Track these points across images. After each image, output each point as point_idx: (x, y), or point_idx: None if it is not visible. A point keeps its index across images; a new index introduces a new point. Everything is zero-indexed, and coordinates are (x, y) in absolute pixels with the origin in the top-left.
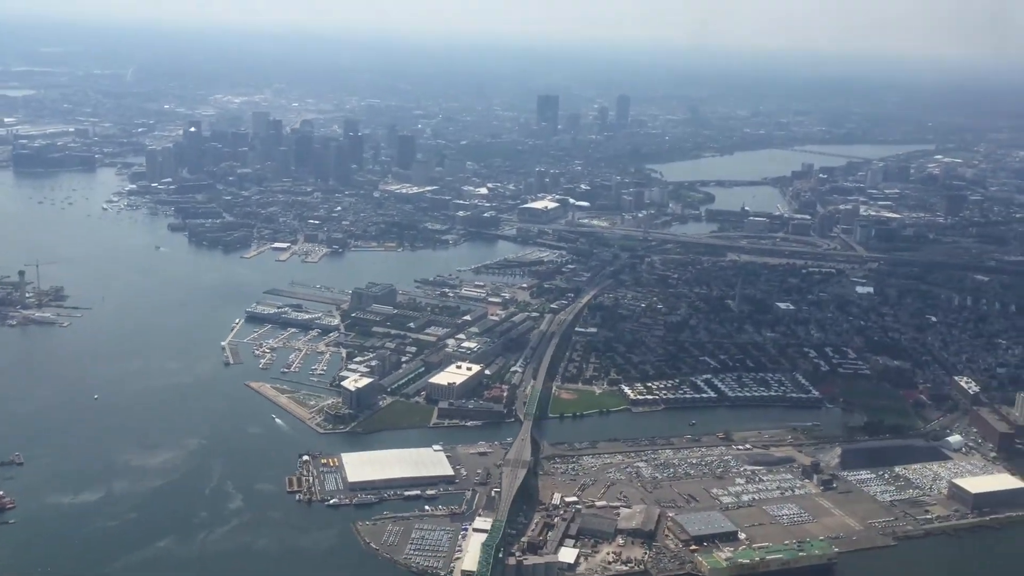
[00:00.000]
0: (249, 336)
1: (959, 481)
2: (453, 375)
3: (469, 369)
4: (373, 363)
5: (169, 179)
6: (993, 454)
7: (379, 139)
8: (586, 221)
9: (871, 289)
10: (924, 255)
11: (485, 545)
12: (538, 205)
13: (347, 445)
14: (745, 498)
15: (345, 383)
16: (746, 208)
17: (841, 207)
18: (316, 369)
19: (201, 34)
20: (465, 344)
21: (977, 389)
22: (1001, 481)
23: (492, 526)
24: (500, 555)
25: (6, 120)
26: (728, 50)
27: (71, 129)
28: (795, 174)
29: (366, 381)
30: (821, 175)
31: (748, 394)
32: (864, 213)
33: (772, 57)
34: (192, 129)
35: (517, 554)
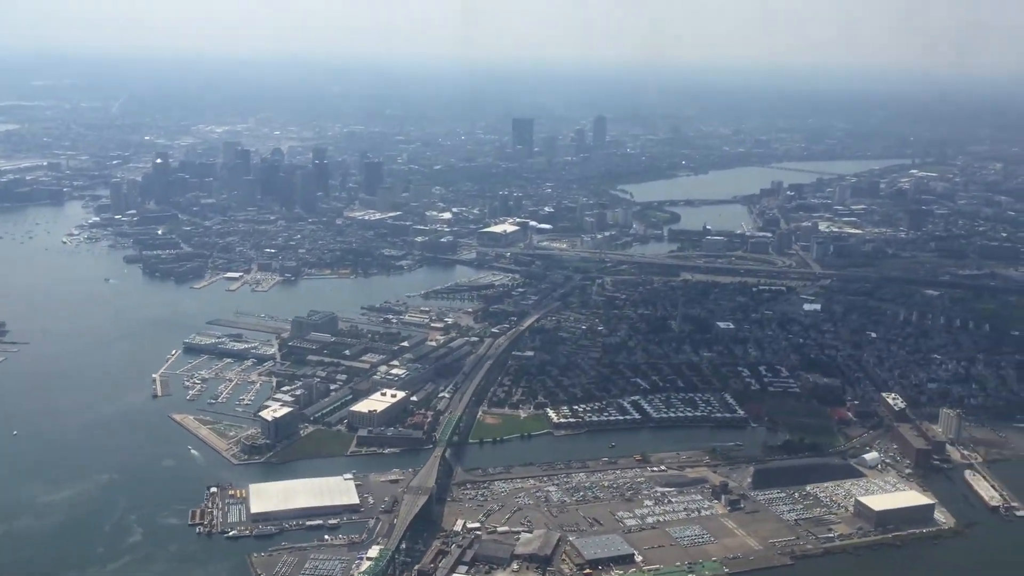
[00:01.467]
0: (183, 367)
1: (864, 499)
2: (376, 403)
3: (394, 396)
4: (298, 392)
5: (133, 211)
6: (908, 471)
7: (349, 166)
8: (546, 244)
9: (818, 306)
10: (879, 271)
11: (364, 574)
12: (497, 229)
13: (261, 476)
14: (650, 520)
15: (263, 413)
16: (707, 227)
17: (802, 224)
18: (243, 400)
19: (197, 63)
20: (394, 371)
21: (903, 405)
22: (907, 498)
23: (378, 554)
24: None
25: None
26: (715, 66)
27: (44, 163)
28: (763, 192)
29: (285, 411)
30: (788, 192)
31: (673, 415)
32: (826, 229)
33: (760, 73)
34: (159, 161)
35: None
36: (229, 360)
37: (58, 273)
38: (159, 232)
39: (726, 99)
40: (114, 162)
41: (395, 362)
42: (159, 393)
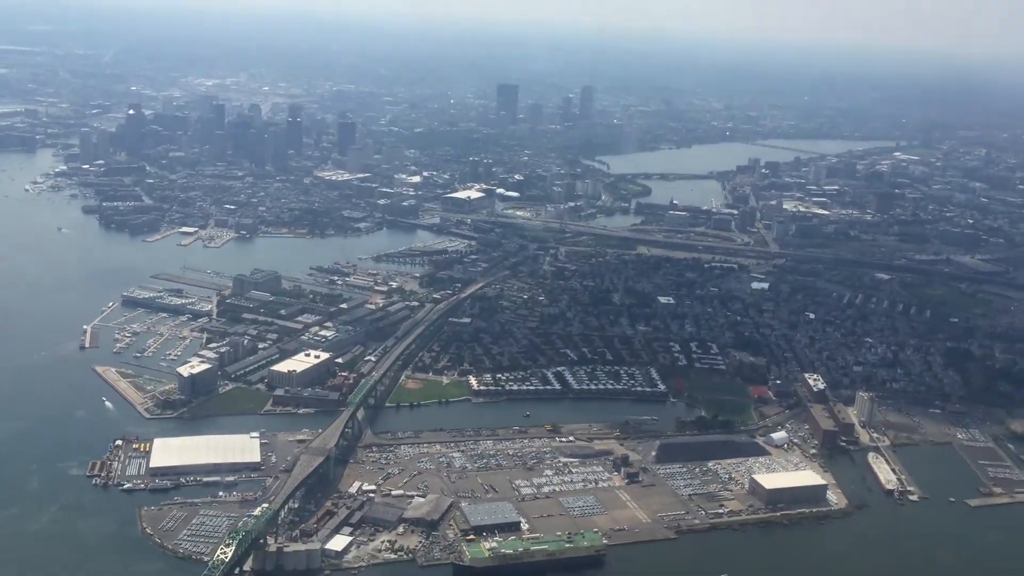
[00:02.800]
0: (118, 320)
1: (758, 477)
2: (297, 363)
3: (317, 357)
4: (223, 349)
5: (101, 161)
6: (813, 451)
7: (328, 125)
8: (510, 212)
9: (766, 285)
10: (836, 252)
11: (234, 532)
12: (461, 195)
13: (170, 430)
14: (546, 490)
15: (180, 369)
16: (674, 202)
17: (768, 203)
18: (170, 355)
19: (200, 14)
20: (322, 332)
21: (822, 386)
22: (801, 478)
23: (259, 513)
24: (262, 542)
25: None
26: (719, 39)
27: (22, 109)
28: (739, 168)
29: (204, 367)
30: (763, 170)
31: (594, 387)
32: (793, 209)
33: (763, 48)
34: (132, 112)
35: (278, 541)
36: (165, 315)
37: (11, 221)
38: (125, 183)
39: (724, 73)
40: (94, 111)
41: (329, 324)
42: (87, 345)
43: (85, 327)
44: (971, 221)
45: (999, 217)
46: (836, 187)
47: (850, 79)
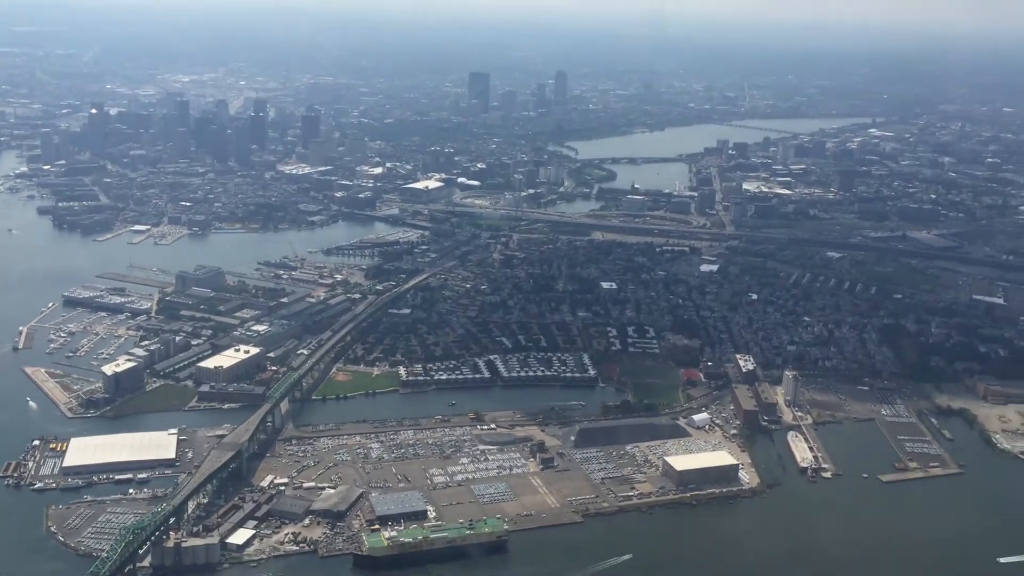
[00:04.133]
0: (56, 320)
1: (670, 459)
2: (226, 358)
3: (247, 352)
4: (153, 347)
5: (63, 161)
6: (734, 431)
7: (296, 119)
8: (469, 201)
9: (715, 267)
10: (793, 232)
11: (124, 528)
12: (419, 185)
13: (92, 429)
14: (459, 478)
15: (105, 367)
16: (635, 186)
17: (728, 184)
18: (103, 353)
19: (189, 11)
20: (255, 327)
21: (752, 367)
22: (713, 458)
23: (156, 510)
24: (160, 537)
25: None
26: (710, 20)
27: None
28: (707, 150)
29: (129, 365)
30: (731, 151)
31: (524, 374)
32: (755, 189)
33: (755, 29)
34: (94, 111)
35: (180, 536)
36: (104, 314)
37: None
38: (85, 183)
39: (710, 55)
40: (64, 111)
41: (265, 319)
42: (20, 345)
43: (21, 328)
44: (933, 196)
45: (963, 191)
46: (803, 166)
47: (838, 57)
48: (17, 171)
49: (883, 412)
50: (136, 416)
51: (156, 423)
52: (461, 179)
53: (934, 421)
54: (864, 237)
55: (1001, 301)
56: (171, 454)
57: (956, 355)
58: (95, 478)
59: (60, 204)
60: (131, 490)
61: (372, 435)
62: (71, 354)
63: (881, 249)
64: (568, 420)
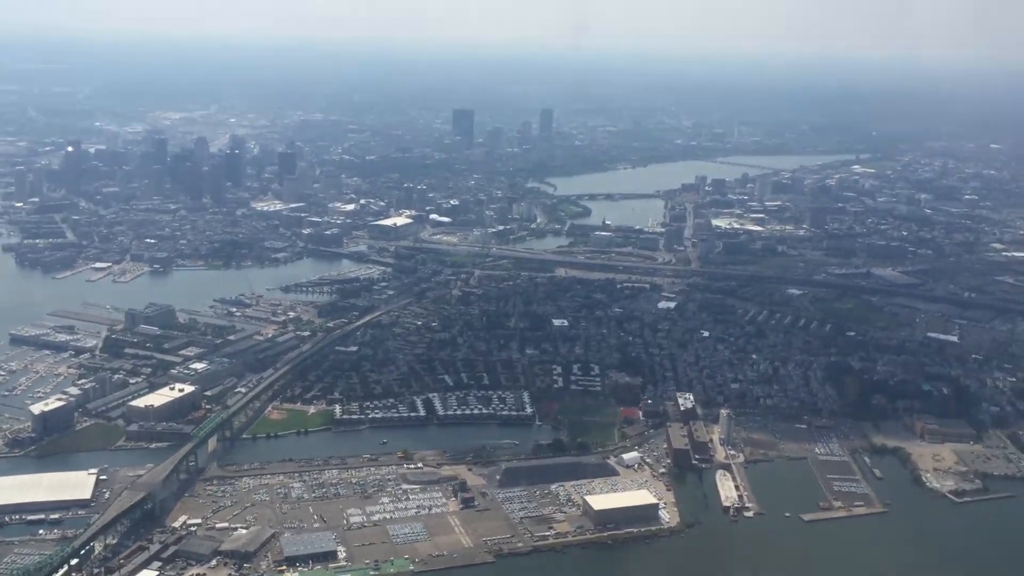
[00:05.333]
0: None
1: (589, 498)
2: (157, 397)
3: (181, 391)
4: (87, 386)
5: (36, 199)
6: (663, 470)
7: (276, 156)
8: (438, 238)
9: (672, 304)
10: (758, 268)
11: (18, 568)
12: (388, 222)
13: (15, 469)
14: (376, 518)
15: (33, 407)
16: (607, 222)
17: (697, 221)
18: (39, 392)
19: (194, 48)
20: (193, 365)
21: (691, 405)
22: (633, 498)
23: (55, 551)
24: None
25: None
26: (705, 55)
27: None
28: (684, 186)
29: (58, 404)
30: (708, 188)
31: (460, 412)
32: (726, 226)
33: (749, 64)
34: (70, 149)
35: None
36: (48, 352)
37: None
38: (55, 220)
39: (704, 91)
40: (47, 148)
41: (213, 356)
42: None
43: None
44: (904, 233)
45: (936, 228)
46: (778, 203)
47: (834, 93)
48: None
49: (817, 451)
50: (62, 456)
51: (82, 462)
52: (433, 215)
53: (867, 460)
54: (828, 274)
55: (955, 339)
56: (87, 495)
57: (899, 393)
58: (7, 518)
59: (25, 241)
60: (41, 531)
61: (296, 474)
62: (7, 393)
63: (843, 286)
64: (497, 459)
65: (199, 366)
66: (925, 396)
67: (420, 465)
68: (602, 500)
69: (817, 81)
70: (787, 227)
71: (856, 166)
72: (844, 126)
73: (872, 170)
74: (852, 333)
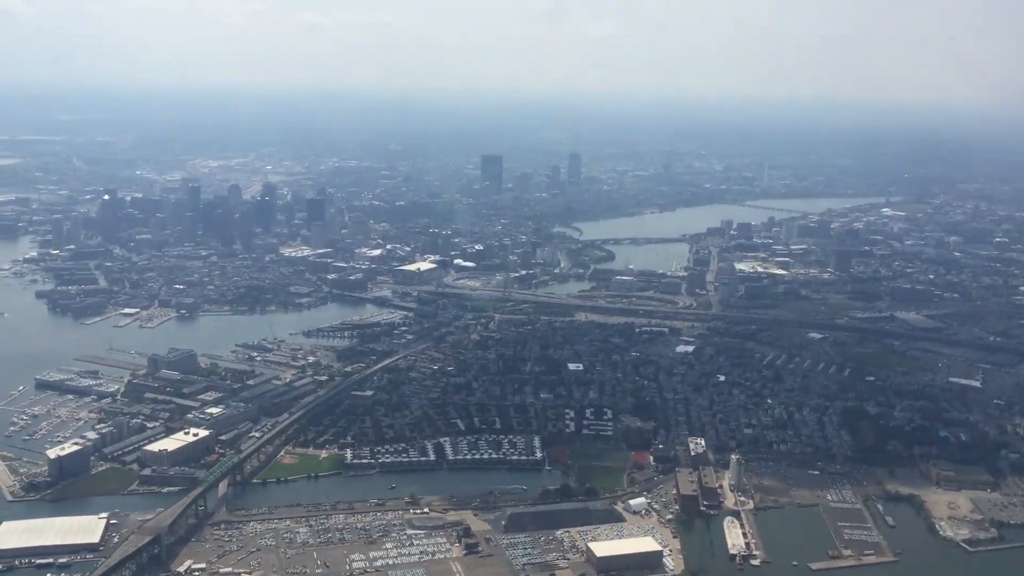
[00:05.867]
0: (25, 402)
1: (592, 545)
2: (172, 441)
3: (195, 435)
4: (104, 430)
5: (72, 246)
6: (670, 516)
7: (304, 202)
8: (461, 282)
9: (691, 349)
10: (780, 312)
11: None
12: (411, 267)
13: (31, 512)
14: (379, 563)
15: (50, 451)
16: (630, 267)
17: (719, 264)
18: (59, 436)
19: (233, 98)
20: (208, 410)
21: (702, 450)
22: (637, 544)
23: None
24: None
25: None
26: (742, 100)
27: (13, 198)
28: (710, 230)
29: (74, 448)
30: (733, 232)
31: (470, 457)
32: (749, 270)
33: (786, 108)
34: (107, 197)
35: None
36: (71, 397)
37: None
38: (89, 267)
39: (737, 135)
40: (87, 197)
41: (225, 401)
42: None
43: None
44: (931, 276)
45: (964, 271)
46: (804, 247)
47: (868, 135)
48: (27, 255)
49: (829, 498)
50: (76, 500)
51: (96, 506)
52: (458, 260)
53: (880, 507)
54: (851, 318)
55: (977, 384)
56: (96, 539)
57: (915, 439)
58: (17, 562)
59: (58, 288)
60: (49, 574)
61: (302, 519)
62: (27, 437)
63: (865, 330)
64: (505, 504)
65: (214, 411)
66: (942, 442)
67: (427, 510)
68: (605, 547)
69: (849, 123)
70: (811, 271)
71: (886, 209)
72: (876, 169)
73: (902, 213)
74: (871, 378)
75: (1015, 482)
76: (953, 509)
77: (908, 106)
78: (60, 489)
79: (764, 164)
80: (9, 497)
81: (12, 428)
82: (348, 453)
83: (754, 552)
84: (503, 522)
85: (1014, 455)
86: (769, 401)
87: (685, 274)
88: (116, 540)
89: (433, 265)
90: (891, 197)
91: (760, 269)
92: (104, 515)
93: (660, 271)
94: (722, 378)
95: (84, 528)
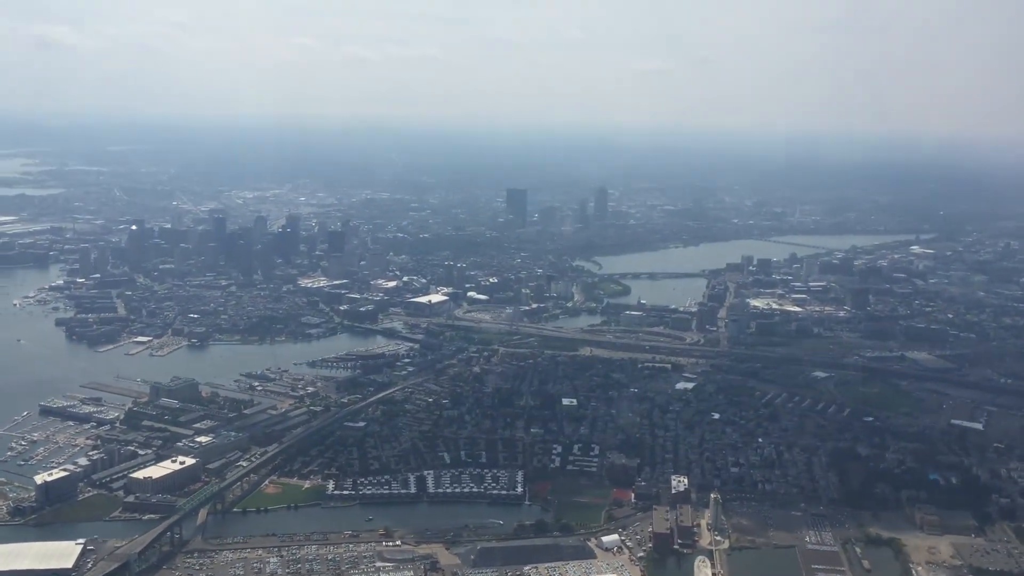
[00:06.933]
0: (25, 428)
1: None
2: (158, 469)
3: (182, 463)
4: (95, 456)
5: (97, 275)
6: (641, 554)
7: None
8: (471, 315)
9: (691, 385)
10: (789, 350)
11: None
12: (423, 299)
13: (13, 536)
14: None
15: (37, 476)
16: (642, 302)
17: (734, 301)
18: (55, 462)
19: (275, 129)
20: (197, 438)
21: (683, 488)
22: None
23: None
24: None
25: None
26: (791, 135)
27: (48, 227)
28: (729, 266)
29: (61, 474)
30: (752, 267)
31: (450, 491)
32: (764, 306)
33: (826, 143)
34: (134, 228)
35: None
36: (72, 423)
37: None
38: (112, 296)
39: (769, 169)
40: (120, 227)
41: (217, 430)
42: None
43: None
44: (950, 316)
45: (984, 311)
46: (823, 284)
47: (901, 171)
48: (53, 283)
49: (807, 539)
50: (60, 525)
51: (79, 532)
52: (471, 293)
53: (858, 551)
54: (860, 357)
55: (979, 427)
56: (69, 564)
57: (904, 482)
58: None
59: (77, 315)
60: None
61: (275, 549)
62: (22, 463)
63: (873, 369)
64: (478, 539)
65: (203, 439)
66: (931, 486)
67: (399, 543)
68: None
69: (889, 157)
70: (827, 308)
71: (915, 247)
72: (910, 205)
73: (931, 251)
74: (870, 418)
75: (1003, 528)
76: (932, 554)
77: (955, 139)
78: (45, 514)
79: (796, 200)
80: None
81: (9, 453)
82: (330, 484)
83: None
84: (472, 556)
85: (1004, 500)
86: (760, 440)
87: (696, 310)
88: (90, 566)
89: (444, 298)
90: (922, 234)
91: (775, 306)
92: (81, 541)
93: (672, 306)
94: (716, 416)
95: (60, 553)
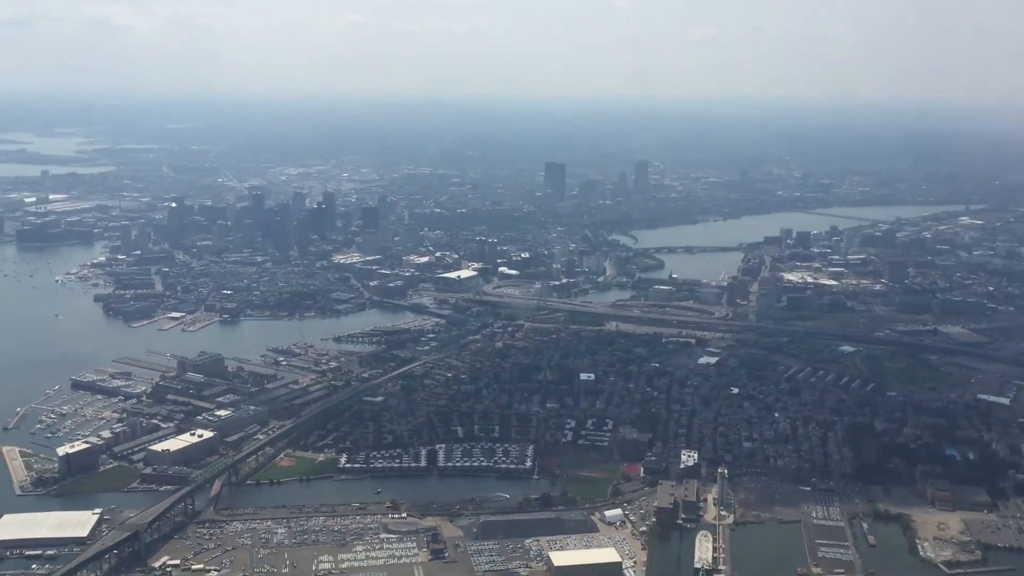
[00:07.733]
0: (56, 402)
1: (552, 554)
2: (177, 442)
3: (200, 436)
4: (118, 429)
5: (138, 252)
6: (644, 528)
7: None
8: (500, 291)
9: (713, 360)
10: (817, 324)
11: None
12: (452, 274)
13: (36, 506)
14: (344, 566)
15: (59, 448)
16: (673, 276)
17: (765, 275)
18: (82, 434)
19: (326, 105)
20: (217, 412)
21: (691, 463)
22: (599, 555)
23: None
24: None
25: (49, 197)
26: (848, 104)
27: (94, 205)
28: (767, 239)
29: (83, 446)
30: (790, 241)
31: (460, 464)
32: (798, 280)
33: (881, 112)
34: (173, 205)
35: None
36: (100, 397)
37: (18, 309)
38: (151, 272)
39: (820, 140)
40: (165, 204)
41: (237, 404)
42: (11, 425)
43: (19, 408)
44: (991, 288)
45: None
46: (862, 256)
47: (956, 139)
48: (95, 260)
49: (813, 515)
50: (79, 495)
51: (98, 502)
52: (502, 268)
53: (864, 526)
54: (891, 331)
55: (1006, 402)
56: (84, 533)
57: (919, 457)
58: (8, 553)
59: (115, 292)
60: (34, 565)
61: (283, 520)
62: (50, 435)
63: (902, 343)
64: (482, 511)
65: (223, 413)
66: (947, 461)
67: (404, 515)
68: (564, 556)
69: (940, 128)
70: (864, 281)
71: (963, 217)
72: (964, 174)
73: (980, 221)
74: (893, 393)
75: (1016, 503)
76: (941, 530)
77: (1014, 106)
78: (67, 484)
79: (846, 171)
80: (18, 491)
81: (39, 425)
82: (343, 457)
83: (720, 567)
84: (475, 529)
85: (1021, 475)
86: (776, 415)
87: (726, 284)
88: (104, 535)
89: (474, 273)
90: (972, 205)
91: (809, 279)
92: (98, 511)
93: (704, 280)
94: (735, 391)
95: (76, 523)
